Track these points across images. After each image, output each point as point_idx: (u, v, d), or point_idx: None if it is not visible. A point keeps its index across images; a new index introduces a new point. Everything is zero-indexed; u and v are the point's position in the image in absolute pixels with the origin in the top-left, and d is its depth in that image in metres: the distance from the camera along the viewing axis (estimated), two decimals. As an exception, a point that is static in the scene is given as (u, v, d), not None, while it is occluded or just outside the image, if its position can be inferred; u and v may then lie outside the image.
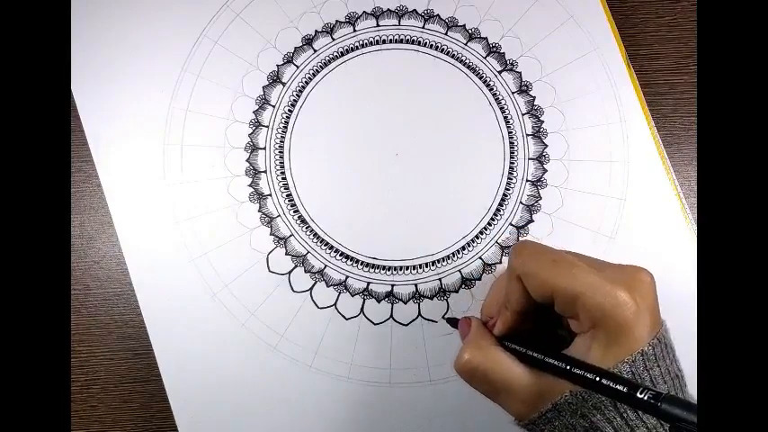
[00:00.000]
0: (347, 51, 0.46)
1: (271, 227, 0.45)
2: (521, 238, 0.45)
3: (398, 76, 0.46)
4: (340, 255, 0.45)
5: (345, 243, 0.45)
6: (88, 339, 0.45)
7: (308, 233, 0.45)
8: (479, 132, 0.46)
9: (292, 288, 0.44)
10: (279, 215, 0.45)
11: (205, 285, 0.44)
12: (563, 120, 0.46)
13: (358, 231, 0.45)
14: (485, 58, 0.47)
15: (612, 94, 0.46)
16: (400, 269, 0.44)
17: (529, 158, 0.46)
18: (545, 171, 0.45)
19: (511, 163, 0.46)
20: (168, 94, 0.46)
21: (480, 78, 0.46)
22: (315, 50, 0.46)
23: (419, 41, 0.47)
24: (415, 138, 0.45)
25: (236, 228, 0.45)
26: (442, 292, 0.44)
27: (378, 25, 0.47)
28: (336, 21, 0.47)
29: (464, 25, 0.47)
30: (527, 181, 0.45)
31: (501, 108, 0.46)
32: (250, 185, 0.45)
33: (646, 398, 0.28)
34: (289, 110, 0.46)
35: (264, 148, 0.46)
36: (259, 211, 0.45)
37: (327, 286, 0.44)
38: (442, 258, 0.44)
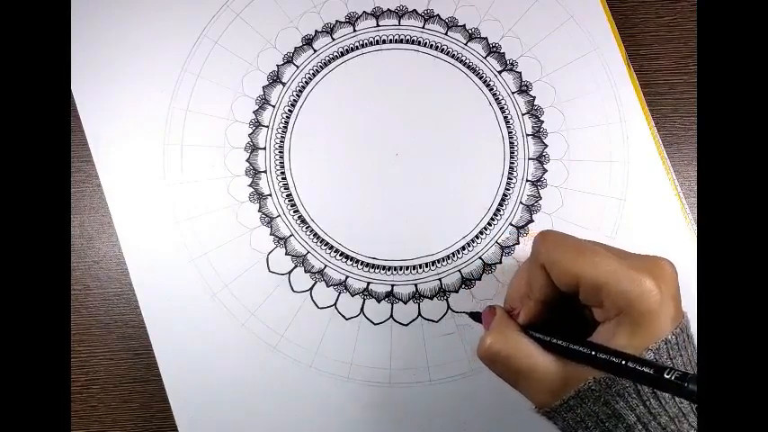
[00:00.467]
0: (347, 51, 0.46)
1: (271, 227, 0.45)
2: (520, 238, 0.45)
3: (398, 76, 0.46)
4: (340, 255, 0.45)
5: (345, 243, 0.45)
6: (88, 339, 0.45)
7: (307, 233, 0.45)
8: (479, 132, 0.46)
9: (292, 288, 0.44)
10: (279, 215, 0.45)
11: (205, 285, 0.44)
12: (563, 120, 0.46)
13: (358, 231, 0.45)
14: (485, 58, 0.47)
15: (612, 94, 0.46)
16: (400, 269, 0.44)
17: (529, 158, 0.46)
18: (545, 171, 0.45)
19: (511, 163, 0.46)
20: (168, 94, 0.46)
21: (480, 78, 0.46)
22: (315, 50, 0.46)
23: (419, 41, 0.47)
24: (414, 138, 0.45)
25: (236, 228, 0.45)
26: (441, 292, 0.44)
27: (378, 25, 0.47)
28: (336, 21, 0.47)
29: (464, 25, 0.47)
30: (527, 181, 0.45)
31: (501, 108, 0.46)
32: (250, 185, 0.45)
33: (673, 378, 0.27)
34: (289, 110, 0.46)
35: (264, 148, 0.46)
36: (259, 211, 0.45)
37: (327, 286, 0.44)
38: (442, 258, 0.44)
